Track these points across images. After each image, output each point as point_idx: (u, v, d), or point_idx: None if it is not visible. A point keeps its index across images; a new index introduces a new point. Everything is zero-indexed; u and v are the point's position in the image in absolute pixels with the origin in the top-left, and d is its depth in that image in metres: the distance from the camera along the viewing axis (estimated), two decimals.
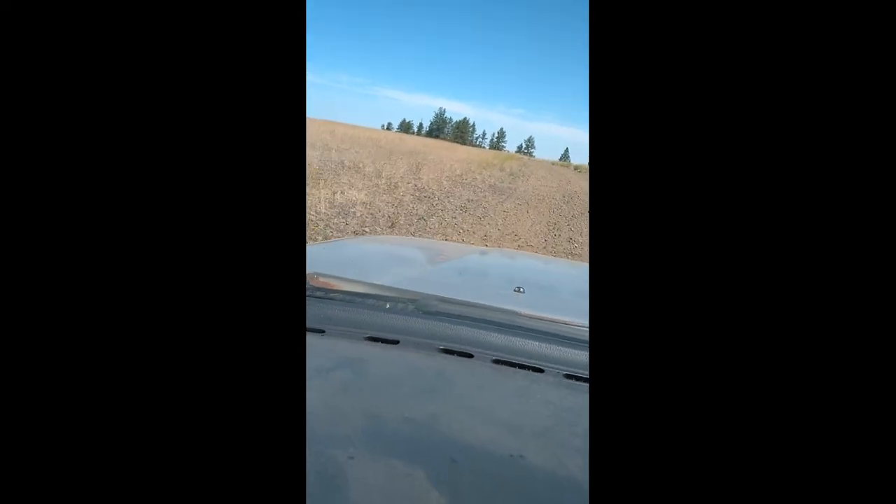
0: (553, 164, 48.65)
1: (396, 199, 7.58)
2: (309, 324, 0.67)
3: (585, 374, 0.63)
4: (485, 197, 9.76)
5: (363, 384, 0.54)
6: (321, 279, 0.77)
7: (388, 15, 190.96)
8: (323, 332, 0.66)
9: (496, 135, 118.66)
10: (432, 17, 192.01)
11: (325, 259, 1.08)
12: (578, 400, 0.56)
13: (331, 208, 5.95)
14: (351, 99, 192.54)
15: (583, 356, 0.66)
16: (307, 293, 0.73)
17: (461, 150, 28.96)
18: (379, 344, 0.65)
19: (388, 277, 0.99)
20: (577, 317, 0.74)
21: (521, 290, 0.96)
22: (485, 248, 2.06)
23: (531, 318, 0.71)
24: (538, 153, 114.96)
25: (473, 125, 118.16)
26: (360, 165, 10.57)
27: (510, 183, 13.65)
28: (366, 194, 7.31)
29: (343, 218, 5.61)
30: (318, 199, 6.22)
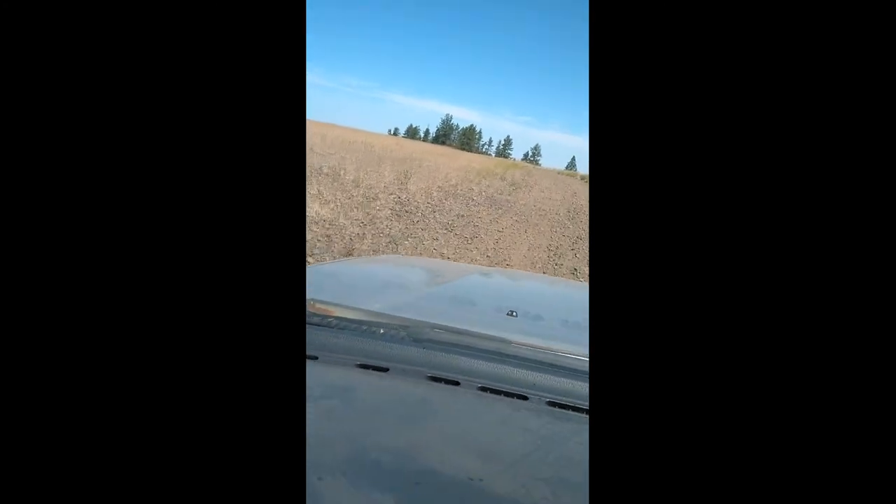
0: (559, 173, 47.49)
1: (369, 215, 6.41)
2: None
3: (569, 401, 0.64)
4: (478, 212, 8.58)
5: (349, 412, 0.56)
6: (318, 305, 0.77)
7: (397, 19, 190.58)
8: (316, 358, 0.68)
9: (502, 142, 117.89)
10: (442, 23, 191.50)
11: (325, 281, 1.10)
12: (557, 428, 0.57)
13: None
14: (359, 103, 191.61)
15: (568, 384, 0.67)
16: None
17: (463, 158, 27.82)
18: (369, 371, 0.66)
19: (384, 301, 0.97)
20: (570, 340, 0.81)
21: (514, 313, 0.96)
22: (485, 268, 2.02)
23: (521, 345, 0.72)
24: (544, 161, 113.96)
25: (480, 132, 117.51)
26: (341, 173, 9.41)
27: (510, 195, 12.48)
28: (331, 209, 6.13)
29: None
30: None
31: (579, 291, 1.47)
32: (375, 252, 4.80)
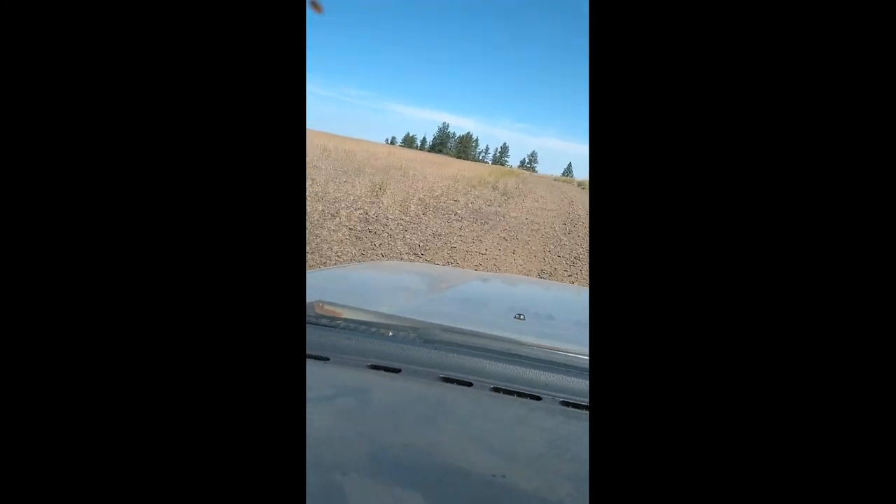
0: (555, 179, 46.45)
1: (318, 237, 5.25)
2: (314, 351, 0.68)
3: (582, 400, 0.64)
4: (460, 229, 7.43)
5: (366, 411, 0.56)
6: (327, 307, 0.77)
7: (394, 29, 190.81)
8: (327, 359, 0.68)
9: (499, 150, 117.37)
10: (439, 33, 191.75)
11: (331, 285, 1.11)
12: (573, 427, 0.58)
13: None
14: (358, 112, 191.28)
15: (580, 383, 0.67)
16: (314, 321, 0.75)
17: (455, 165, 26.71)
18: (381, 372, 0.66)
19: (392, 305, 0.99)
20: (578, 342, 0.78)
21: (522, 317, 0.97)
22: (486, 273, 2.16)
23: (531, 346, 0.72)
24: (541, 168, 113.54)
25: (476, 140, 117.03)
26: (306, 184, 8.25)
27: (500, 206, 11.34)
28: None
29: None
30: None
31: (584, 296, 1.41)
32: None
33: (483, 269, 5.23)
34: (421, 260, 5.21)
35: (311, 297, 0.70)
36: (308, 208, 6.45)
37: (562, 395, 0.65)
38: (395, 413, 0.57)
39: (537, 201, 14.56)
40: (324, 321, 0.75)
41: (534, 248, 7.15)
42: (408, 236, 6.16)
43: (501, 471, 0.47)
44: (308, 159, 13.07)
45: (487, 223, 8.39)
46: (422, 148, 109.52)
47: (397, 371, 0.67)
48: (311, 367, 0.64)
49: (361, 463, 0.46)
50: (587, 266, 6.25)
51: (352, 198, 7.93)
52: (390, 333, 0.74)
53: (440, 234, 6.70)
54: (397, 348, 0.71)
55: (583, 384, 0.66)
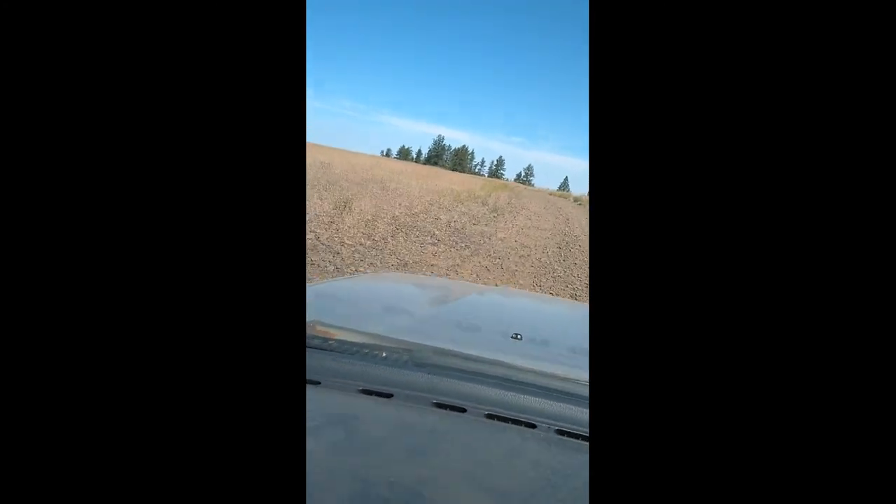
0: (550, 194, 45.42)
1: None
2: (307, 375, 0.65)
3: (578, 429, 0.63)
4: (434, 255, 6.21)
5: (354, 443, 0.55)
6: (319, 328, 0.76)
7: (390, 42, 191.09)
8: (319, 383, 0.66)
9: (494, 163, 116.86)
10: (434, 46, 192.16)
11: (324, 298, 1.09)
12: (567, 459, 0.57)
13: None
14: (353, 124, 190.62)
15: (576, 411, 0.66)
16: (307, 342, 0.73)
17: (446, 178, 25.56)
18: (373, 397, 0.65)
19: (386, 324, 0.97)
20: (575, 366, 0.79)
21: (519, 336, 0.96)
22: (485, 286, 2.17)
23: (526, 371, 0.71)
24: (537, 181, 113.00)
25: (472, 153, 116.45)
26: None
27: (488, 224, 10.14)
28: None
29: None
30: None
31: (582, 313, 1.43)
32: None
33: None
34: None
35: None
36: None
37: (557, 423, 0.63)
38: (385, 444, 0.55)
39: (530, 219, 13.36)
40: (316, 342, 0.74)
41: (522, 279, 5.92)
42: (363, 268, 4.92)
43: None
44: None
45: (469, 247, 7.17)
46: (417, 160, 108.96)
47: (389, 396, 0.65)
48: None
49: (343, 500, 0.45)
50: (585, 303, 5.00)
51: (312, 214, 6.70)
52: (384, 355, 0.72)
53: (407, 264, 5.46)
54: (390, 372, 0.69)
55: (579, 412, 0.65)
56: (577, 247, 9.12)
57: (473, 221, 10.05)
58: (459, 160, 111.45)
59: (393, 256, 5.63)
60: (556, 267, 7.08)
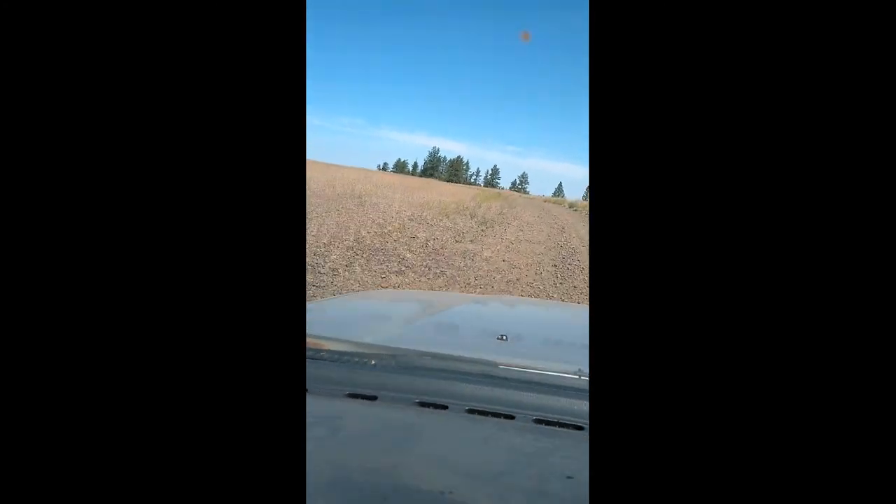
0: (545, 200, 44.26)
1: None
2: None
3: (556, 417, 0.65)
4: (397, 286, 4.96)
5: (334, 439, 0.56)
6: (309, 339, 0.76)
7: (385, 58, 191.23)
8: (307, 391, 0.67)
9: (489, 172, 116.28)
10: (427, 59, 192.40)
11: (316, 318, 1.09)
12: (542, 444, 0.58)
13: None
14: (351, 140, 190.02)
15: (554, 400, 0.67)
16: None
17: (437, 190, 24.36)
18: (358, 400, 0.67)
19: (376, 334, 1.00)
20: (557, 357, 0.86)
21: (505, 337, 0.97)
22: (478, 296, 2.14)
23: (508, 366, 0.73)
24: (532, 189, 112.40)
25: (467, 163, 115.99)
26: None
27: (473, 240, 8.92)
28: None
29: None
30: None
31: (571, 313, 1.55)
32: None
33: None
34: None
35: None
36: None
37: (536, 412, 0.65)
38: (365, 439, 0.57)
39: (522, 230, 12.13)
40: (308, 354, 0.74)
41: None
42: None
43: (453, 487, 0.47)
44: None
45: (445, 273, 5.93)
46: (413, 173, 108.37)
47: (374, 398, 0.67)
48: None
49: (317, 488, 0.46)
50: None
51: None
52: (373, 363, 0.74)
53: None
54: (375, 376, 0.71)
55: (557, 401, 0.67)
56: (576, 262, 7.86)
57: (457, 238, 8.83)
58: (455, 171, 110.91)
59: (340, 293, 4.40)
60: (551, 292, 5.83)
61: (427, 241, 7.99)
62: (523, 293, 5.63)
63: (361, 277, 5.10)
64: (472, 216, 13.24)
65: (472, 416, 0.64)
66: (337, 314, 1.23)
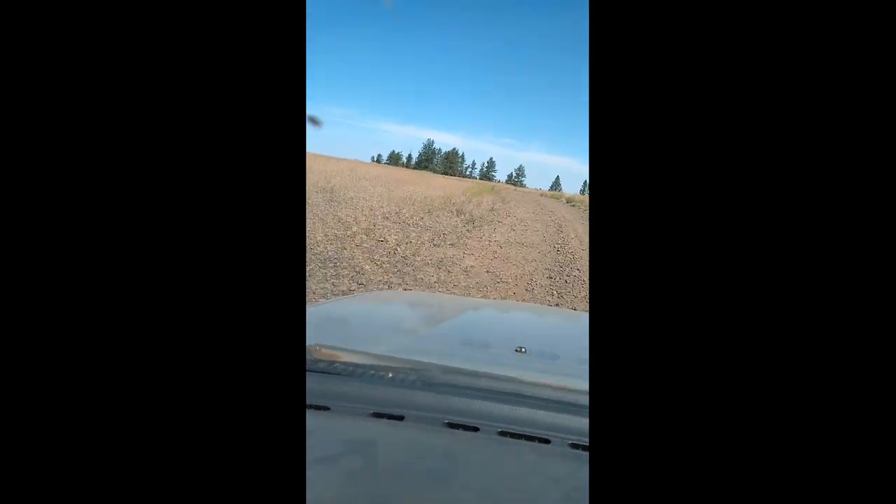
0: (541, 194, 43.01)
1: None
2: (314, 400, 0.66)
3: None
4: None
5: (371, 470, 0.55)
6: (324, 350, 0.75)
7: (376, 46, 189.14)
8: (328, 409, 0.66)
9: (485, 165, 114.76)
10: (422, 49, 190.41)
11: (326, 322, 1.08)
12: (585, 473, 0.59)
13: None
14: (344, 132, 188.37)
15: (587, 423, 0.66)
16: (312, 366, 0.73)
17: (425, 183, 22.96)
18: (384, 420, 0.65)
19: (389, 343, 0.98)
20: (582, 377, 0.75)
21: (523, 349, 0.95)
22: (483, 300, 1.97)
23: (536, 384, 0.71)
24: (529, 182, 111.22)
25: (463, 156, 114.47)
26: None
27: (455, 243, 7.62)
28: None
29: None
30: None
31: (584, 323, 1.46)
32: None
33: None
34: None
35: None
36: None
37: (571, 436, 0.64)
38: (402, 469, 0.55)
39: (514, 229, 10.82)
40: (321, 366, 0.73)
41: None
42: None
43: None
44: None
45: (410, 291, 4.61)
46: (408, 165, 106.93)
47: (401, 418, 0.65)
48: (312, 418, 0.58)
49: None
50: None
51: None
52: (390, 375, 0.72)
53: None
54: (399, 393, 0.69)
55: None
56: (576, 272, 6.53)
57: (435, 241, 7.51)
58: (450, 164, 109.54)
59: None
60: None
61: (398, 245, 6.68)
62: None
63: None
64: (459, 213, 11.91)
65: (504, 438, 0.62)
66: (343, 319, 1.17)
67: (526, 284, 5.66)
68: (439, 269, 5.74)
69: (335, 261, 5.25)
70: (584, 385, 0.65)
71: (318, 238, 6.13)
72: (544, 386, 0.69)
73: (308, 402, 0.63)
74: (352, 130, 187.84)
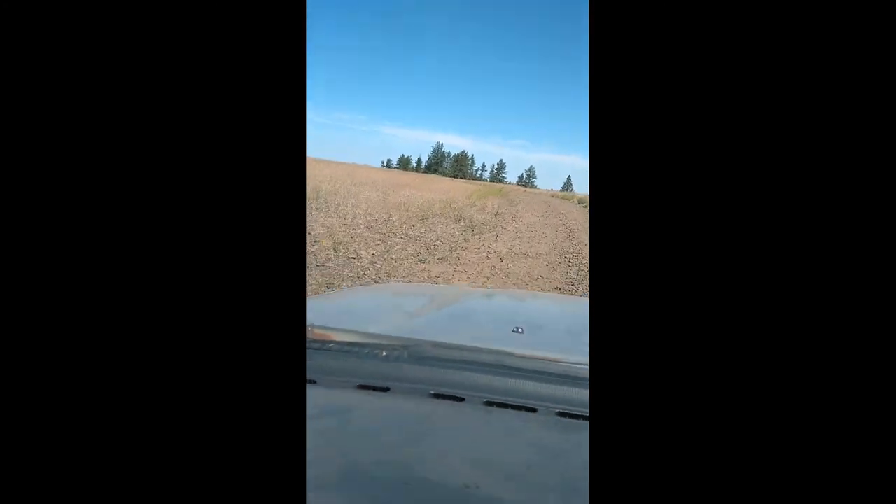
0: (552, 195, 41.61)
1: None
2: None
3: (580, 410, 0.62)
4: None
5: (346, 431, 0.54)
6: (317, 331, 0.74)
7: (385, 51, 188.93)
8: (314, 382, 0.65)
9: (496, 166, 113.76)
10: (428, 54, 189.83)
11: (324, 309, 1.08)
12: (568, 438, 0.56)
13: None
14: (354, 137, 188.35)
15: (578, 393, 0.65)
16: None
17: (427, 187, 21.72)
18: (369, 392, 0.64)
19: (386, 325, 0.97)
20: (577, 349, 0.74)
21: (521, 330, 0.94)
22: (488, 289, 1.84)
23: (525, 357, 0.69)
24: (540, 183, 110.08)
25: (472, 158, 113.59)
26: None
27: (447, 256, 6.40)
28: None
29: None
30: None
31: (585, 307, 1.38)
32: None
33: None
34: None
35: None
36: None
37: (558, 405, 0.62)
38: (378, 432, 0.55)
39: (519, 236, 9.57)
40: (314, 346, 0.72)
41: None
42: None
43: (477, 481, 0.45)
44: None
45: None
46: (417, 169, 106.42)
47: (386, 390, 0.64)
48: None
49: (328, 481, 0.44)
50: None
51: None
52: (384, 353, 0.70)
53: None
54: (387, 367, 0.68)
55: (580, 394, 0.64)
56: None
57: (421, 255, 6.31)
58: (460, 166, 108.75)
59: None
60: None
61: (372, 262, 5.48)
62: None
63: None
64: (459, 219, 10.70)
65: (490, 408, 0.61)
66: (343, 306, 1.18)
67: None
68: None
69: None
70: (573, 356, 0.68)
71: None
72: (533, 358, 0.68)
73: None
74: (361, 135, 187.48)
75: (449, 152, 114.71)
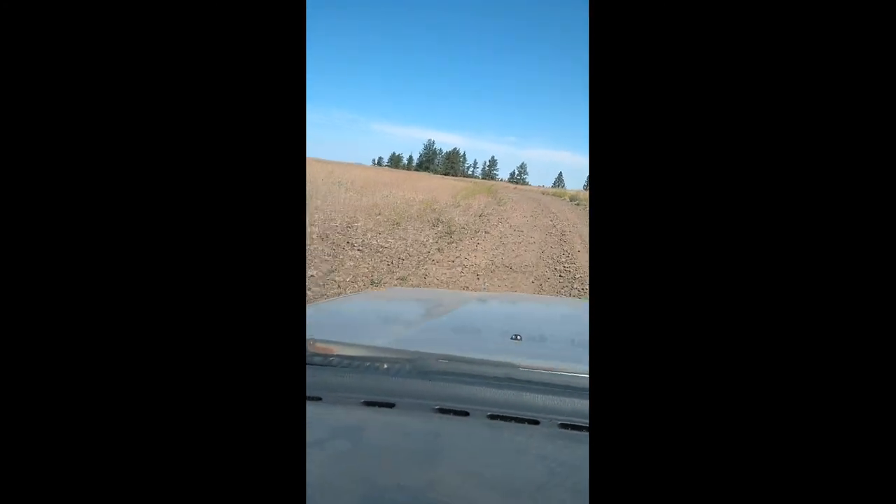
0: (543, 192, 40.44)
1: None
2: (307, 392, 0.66)
3: (581, 421, 0.63)
4: None
5: (359, 452, 0.55)
6: (318, 345, 0.75)
7: (377, 49, 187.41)
8: (320, 399, 0.66)
9: (487, 163, 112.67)
10: (418, 51, 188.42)
11: (323, 320, 1.08)
12: (574, 451, 0.57)
13: None
14: (345, 135, 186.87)
15: (579, 403, 0.65)
16: (307, 360, 0.73)
17: (412, 186, 20.47)
18: (375, 408, 0.65)
19: (386, 336, 0.95)
20: (577, 358, 0.75)
21: (519, 337, 0.94)
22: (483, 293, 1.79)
23: (528, 368, 0.70)
24: (531, 180, 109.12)
25: (464, 155, 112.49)
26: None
27: (408, 276, 5.21)
28: None
29: None
30: None
31: (583, 311, 1.43)
32: None
33: None
34: None
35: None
36: None
37: (560, 417, 0.63)
38: (390, 452, 0.55)
39: (504, 242, 8.37)
40: (317, 360, 0.72)
41: None
42: None
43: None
44: None
45: None
46: (409, 167, 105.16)
47: (391, 406, 0.64)
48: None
49: None
50: None
51: None
52: (385, 367, 0.71)
53: None
54: (391, 382, 0.68)
55: (581, 404, 0.64)
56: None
57: (374, 276, 5.10)
58: (451, 164, 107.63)
59: None
60: None
61: (308, 286, 4.28)
62: None
63: None
64: (437, 222, 9.50)
65: (494, 422, 0.61)
66: (342, 316, 1.17)
67: None
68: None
69: None
70: (574, 366, 0.68)
71: None
72: (535, 369, 0.69)
73: None
74: (353, 134, 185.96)
75: (440, 150, 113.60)
